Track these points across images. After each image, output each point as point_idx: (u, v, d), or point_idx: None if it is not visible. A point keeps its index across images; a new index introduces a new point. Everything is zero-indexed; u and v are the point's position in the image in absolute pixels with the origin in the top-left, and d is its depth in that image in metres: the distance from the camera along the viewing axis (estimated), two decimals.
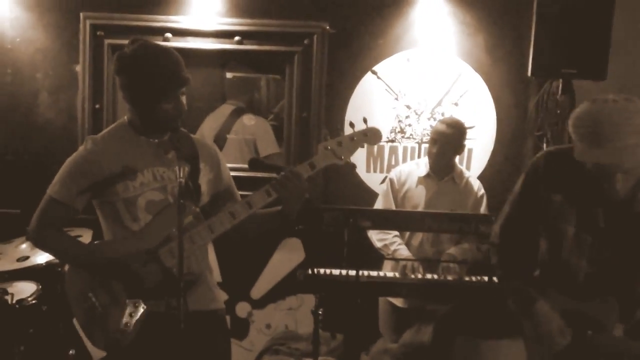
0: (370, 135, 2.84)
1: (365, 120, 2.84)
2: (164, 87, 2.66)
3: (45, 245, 2.85)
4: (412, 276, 3.85)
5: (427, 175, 4.13)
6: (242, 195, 3.03)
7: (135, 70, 2.67)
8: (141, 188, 2.73)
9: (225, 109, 5.01)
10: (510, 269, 2.86)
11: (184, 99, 2.75)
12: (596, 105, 2.34)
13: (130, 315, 2.68)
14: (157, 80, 2.65)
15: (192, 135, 2.95)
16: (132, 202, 2.73)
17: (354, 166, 4.32)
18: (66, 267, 2.84)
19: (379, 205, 4.22)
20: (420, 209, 4.07)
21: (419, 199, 4.11)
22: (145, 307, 2.68)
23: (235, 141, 4.94)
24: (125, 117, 2.83)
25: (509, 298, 2.85)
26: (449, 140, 4.05)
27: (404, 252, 4.00)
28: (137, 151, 2.76)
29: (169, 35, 4.51)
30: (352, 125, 2.85)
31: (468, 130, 4.24)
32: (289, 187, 2.70)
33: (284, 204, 2.77)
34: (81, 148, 2.79)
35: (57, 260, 3.87)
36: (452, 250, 4.03)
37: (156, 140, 2.79)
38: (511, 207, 2.87)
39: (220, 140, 4.86)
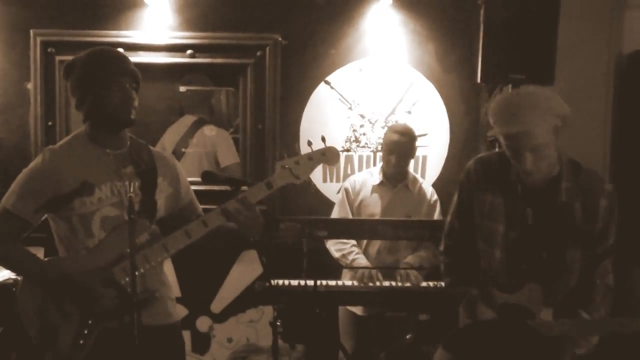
0: (329, 155, 2.83)
1: (323, 139, 2.84)
2: (105, 74, 2.69)
3: None
4: (371, 284, 3.87)
5: (381, 183, 4.16)
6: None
7: (78, 67, 2.73)
8: (99, 203, 2.71)
9: (187, 120, 4.98)
10: (455, 275, 2.96)
11: (134, 94, 2.75)
12: (511, 93, 2.74)
13: (84, 334, 2.66)
14: (96, 69, 2.70)
15: (151, 149, 2.93)
16: (88, 218, 2.70)
17: (310, 184, 4.40)
18: (19, 286, 2.79)
19: (335, 215, 4.24)
20: (376, 217, 4.10)
21: (374, 207, 4.13)
22: (99, 325, 2.66)
23: (194, 154, 4.92)
24: (82, 128, 2.81)
25: (459, 304, 2.93)
26: (405, 149, 4.09)
27: (362, 261, 4.01)
28: (95, 165, 2.74)
29: (121, 50, 4.46)
30: (309, 143, 2.88)
31: (421, 138, 4.28)
32: (240, 217, 2.71)
33: (240, 228, 2.76)
34: (39, 159, 2.75)
35: (11, 280, 3.81)
36: (409, 259, 4.06)
37: (116, 152, 2.77)
38: (451, 216, 3.01)
39: (178, 153, 4.83)
